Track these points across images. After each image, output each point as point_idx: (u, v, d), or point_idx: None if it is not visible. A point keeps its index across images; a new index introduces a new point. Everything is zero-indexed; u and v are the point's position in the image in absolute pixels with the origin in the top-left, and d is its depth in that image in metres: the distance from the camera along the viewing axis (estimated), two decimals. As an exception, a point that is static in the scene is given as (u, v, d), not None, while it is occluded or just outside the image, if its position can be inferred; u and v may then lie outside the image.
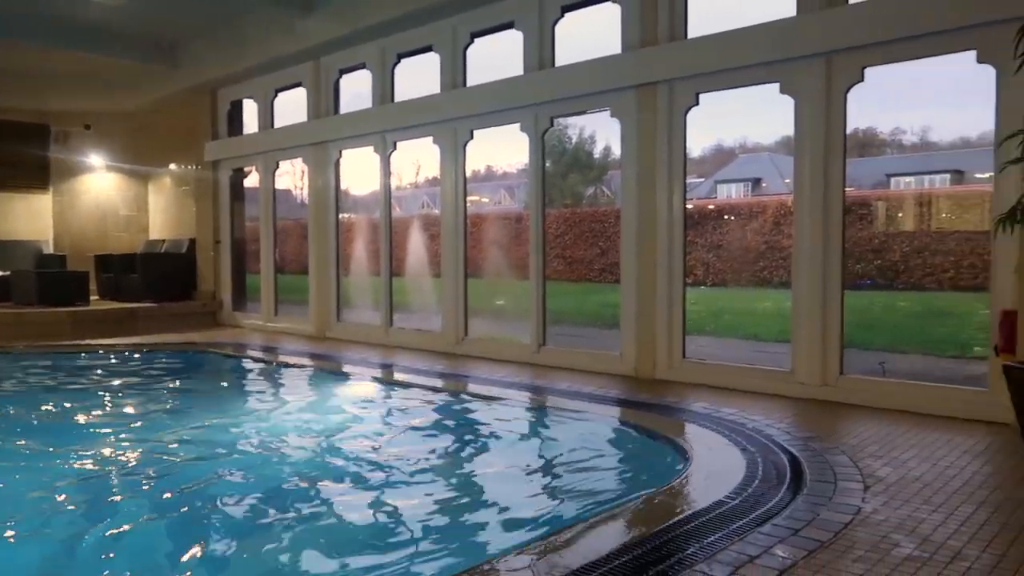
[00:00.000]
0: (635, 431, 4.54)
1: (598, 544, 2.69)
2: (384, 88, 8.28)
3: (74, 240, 11.91)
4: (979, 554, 2.60)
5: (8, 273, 10.25)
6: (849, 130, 5.12)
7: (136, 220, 12.27)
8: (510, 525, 3.35)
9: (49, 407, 5.86)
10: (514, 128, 7.02)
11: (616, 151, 6.42)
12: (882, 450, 3.89)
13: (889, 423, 4.47)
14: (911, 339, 9.29)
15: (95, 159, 11.98)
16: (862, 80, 5.01)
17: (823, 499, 3.14)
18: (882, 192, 13.04)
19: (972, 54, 4.54)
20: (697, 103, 5.82)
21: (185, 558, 3.02)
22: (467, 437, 4.88)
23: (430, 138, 7.82)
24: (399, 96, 8.26)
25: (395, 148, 8.38)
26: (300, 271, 11.61)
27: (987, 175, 5.26)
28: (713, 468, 3.62)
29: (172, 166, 11.56)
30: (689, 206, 6.05)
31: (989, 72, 4.48)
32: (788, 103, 5.30)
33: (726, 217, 13.19)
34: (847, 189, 5.15)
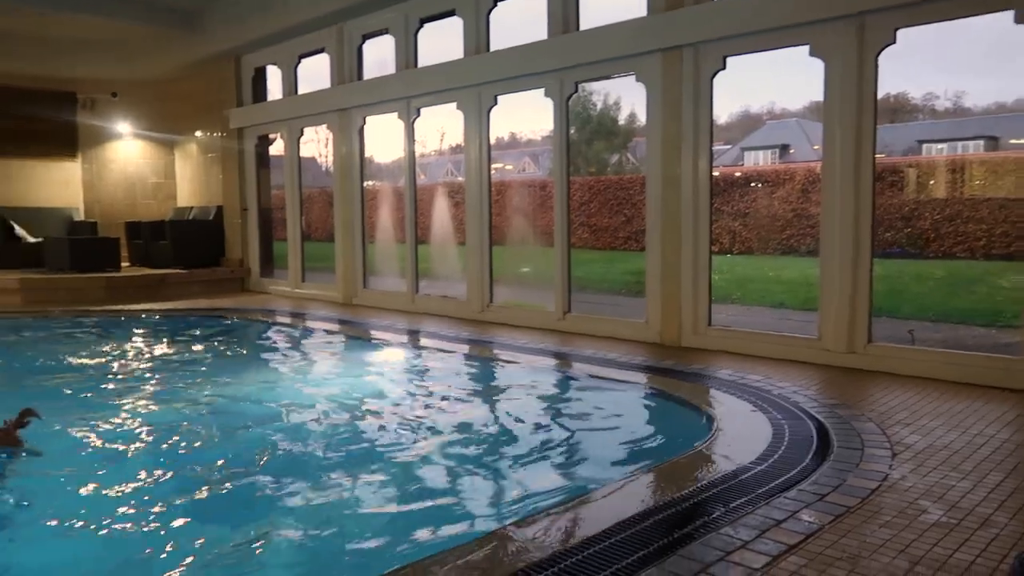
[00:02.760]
0: (660, 397, 4.56)
1: (622, 508, 2.72)
2: (408, 53, 8.23)
3: (104, 207, 12.07)
4: (1008, 521, 2.60)
5: (41, 240, 10.44)
6: (880, 95, 5.02)
7: (164, 187, 12.39)
8: (534, 489, 3.39)
9: (85, 370, 6.00)
10: (538, 94, 6.96)
11: (641, 117, 6.35)
12: (910, 417, 3.88)
13: (918, 391, 4.44)
14: (940, 307, 9.18)
15: (123, 127, 12.07)
16: (894, 42, 4.89)
17: (850, 465, 3.15)
18: (913, 159, 12.80)
19: (1009, 14, 4.41)
20: (724, 67, 5.72)
21: (212, 520, 3.11)
22: (492, 402, 4.93)
23: (454, 104, 7.78)
24: (423, 61, 8.22)
25: (419, 115, 8.35)
26: (326, 238, 11.71)
27: (1023, 141, 5.14)
28: (739, 434, 3.63)
29: (198, 133, 11.63)
30: (715, 173, 5.99)
31: (1029, 33, 4.36)
32: (818, 66, 5.20)
33: (753, 184, 13.05)
34: (877, 156, 5.06)
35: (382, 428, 4.26)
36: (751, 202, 12.90)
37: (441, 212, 13.73)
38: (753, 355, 5.52)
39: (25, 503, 3.31)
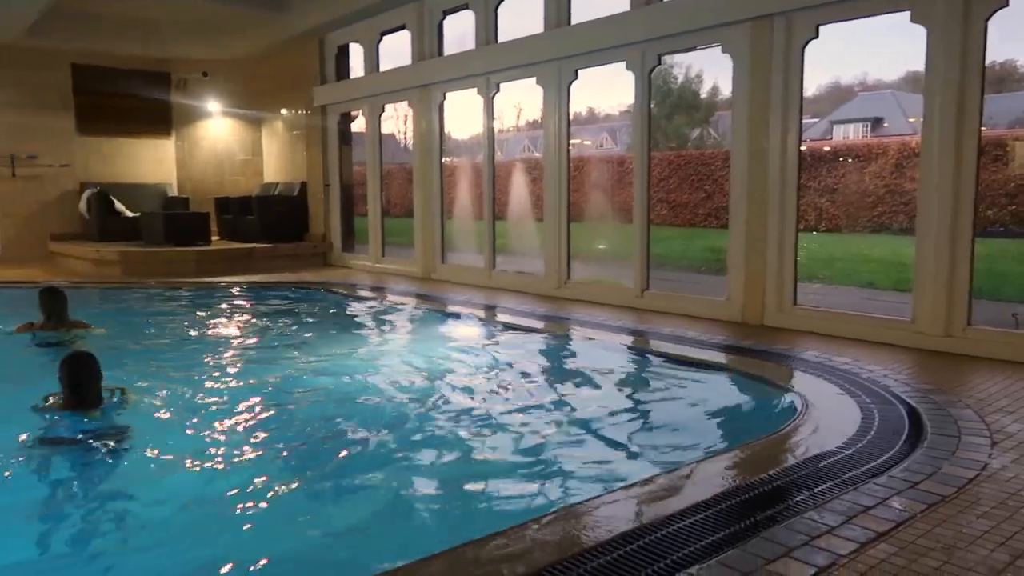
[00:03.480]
0: (743, 377, 4.46)
1: (702, 488, 2.67)
2: (488, 28, 8.21)
3: (195, 183, 12.55)
4: (1121, 517, 2.44)
5: (138, 215, 10.94)
6: (987, 63, 4.71)
7: (251, 164, 12.78)
8: (611, 467, 3.37)
9: (180, 337, 6.29)
10: (617, 69, 6.83)
11: (724, 90, 6.17)
12: (1012, 405, 3.68)
13: (1021, 377, 4.20)
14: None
15: (212, 105, 12.48)
16: (1006, 5, 4.58)
17: (945, 453, 3.01)
18: (1021, 131, 12.02)
19: None
20: (817, 36, 5.48)
21: (293, 481, 3.22)
22: (569, 379, 4.92)
23: (534, 79, 7.72)
24: (503, 36, 8.18)
25: (498, 90, 8.33)
26: (404, 214, 11.87)
27: None
28: (825, 417, 3.51)
29: (283, 111, 11.93)
30: (802, 147, 5.77)
31: None
32: (919, 34, 4.92)
33: (841, 159, 12.54)
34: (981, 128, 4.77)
35: (460, 401, 4.30)
36: (839, 177, 12.40)
37: (518, 188, 13.72)
38: (840, 336, 5.32)
39: (129, 459, 3.51)
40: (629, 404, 4.23)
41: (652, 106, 6.81)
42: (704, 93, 19.30)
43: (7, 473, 3.27)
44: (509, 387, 4.58)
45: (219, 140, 12.70)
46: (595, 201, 14.32)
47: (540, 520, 2.41)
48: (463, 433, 3.78)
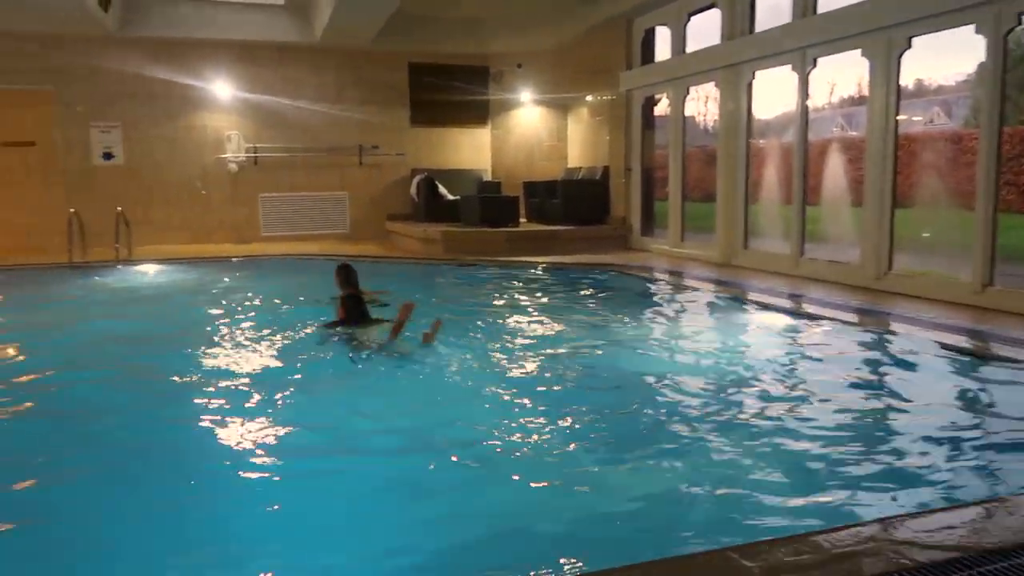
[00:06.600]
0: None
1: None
2: (806, -1, 7.69)
3: (507, 169, 13.47)
4: None
5: (457, 198, 12.05)
6: None
7: (557, 149, 13.39)
8: (931, 486, 2.98)
9: (483, 307, 6.87)
10: (962, 32, 6.00)
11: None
12: None
13: None
14: None
15: (524, 95, 13.27)
16: None
17: None
18: None
19: None
20: None
21: (586, 459, 3.32)
22: (887, 381, 4.47)
23: (858, 51, 7.08)
24: (821, 6, 7.61)
25: (815, 65, 7.78)
26: (700, 199, 11.64)
27: None
28: None
29: (588, 97, 12.29)
30: None
31: None
32: None
33: None
34: None
35: (755, 397, 4.10)
36: None
37: (829, 170, 12.74)
38: None
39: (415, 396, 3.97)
40: (965, 417, 3.74)
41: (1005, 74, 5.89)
42: (1074, 55, 16.18)
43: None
44: (815, 385, 4.28)
45: (528, 127, 13.48)
46: (921, 183, 12.82)
47: (843, 530, 2.23)
48: (758, 427, 3.61)
